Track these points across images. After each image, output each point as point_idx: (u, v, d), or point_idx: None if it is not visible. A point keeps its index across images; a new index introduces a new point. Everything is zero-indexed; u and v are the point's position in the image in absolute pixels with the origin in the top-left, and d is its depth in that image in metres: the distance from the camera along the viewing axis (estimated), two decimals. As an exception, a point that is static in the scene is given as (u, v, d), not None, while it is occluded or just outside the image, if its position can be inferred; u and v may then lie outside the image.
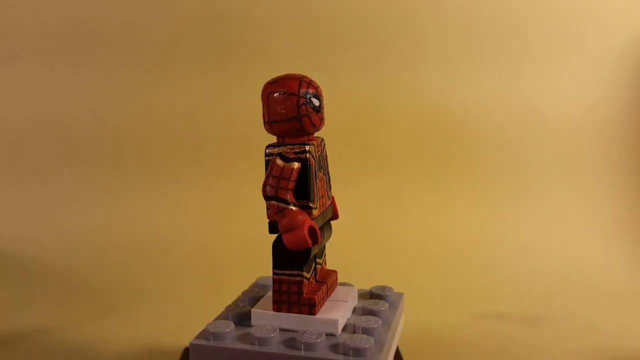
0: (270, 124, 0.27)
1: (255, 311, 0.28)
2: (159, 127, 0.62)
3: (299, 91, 0.27)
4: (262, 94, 0.28)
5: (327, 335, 0.27)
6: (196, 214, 0.60)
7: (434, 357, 0.38)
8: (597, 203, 0.62)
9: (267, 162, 0.27)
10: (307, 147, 0.27)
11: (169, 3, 0.62)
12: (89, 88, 0.62)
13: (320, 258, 0.30)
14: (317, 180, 0.28)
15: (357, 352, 0.25)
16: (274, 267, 0.28)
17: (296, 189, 0.27)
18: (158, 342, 0.40)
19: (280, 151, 0.27)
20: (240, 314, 0.29)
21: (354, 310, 0.31)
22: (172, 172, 0.62)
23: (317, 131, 0.28)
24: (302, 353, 0.25)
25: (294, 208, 0.26)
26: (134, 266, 0.54)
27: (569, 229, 0.60)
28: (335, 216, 0.31)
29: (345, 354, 0.25)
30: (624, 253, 0.57)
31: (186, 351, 0.38)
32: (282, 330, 0.27)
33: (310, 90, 0.27)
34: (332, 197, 0.31)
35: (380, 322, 0.28)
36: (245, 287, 0.34)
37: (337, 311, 0.28)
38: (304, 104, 0.27)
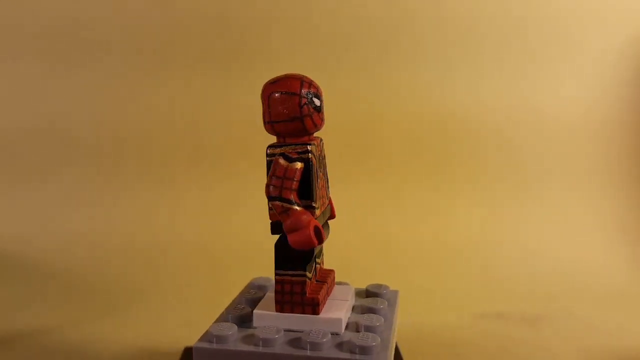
0: (271, 124, 0.27)
1: (257, 312, 0.28)
2: (159, 127, 0.62)
3: (300, 91, 0.27)
4: (262, 94, 0.28)
5: (331, 334, 0.27)
6: (196, 214, 0.60)
7: (434, 357, 0.38)
8: (597, 203, 0.62)
9: (268, 163, 0.27)
10: (309, 147, 0.27)
11: (168, 4, 0.62)
12: (89, 88, 0.62)
13: (319, 258, 0.30)
14: (318, 180, 0.28)
15: (364, 350, 0.25)
16: (276, 268, 0.28)
17: (299, 189, 0.27)
18: (158, 342, 0.40)
19: (282, 151, 0.27)
20: (240, 316, 0.29)
21: (353, 309, 0.31)
22: (172, 172, 0.62)
23: (317, 131, 0.28)
24: (309, 353, 0.25)
25: (298, 208, 0.26)
26: (134, 266, 0.54)
27: (569, 229, 0.60)
28: (332, 215, 0.31)
29: (352, 352, 0.26)
30: (624, 253, 0.57)
31: (186, 351, 0.38)
32: (286, 330, 0.27)
33: (312, 90, 0.27)
34: (329, 196, 0.31)
35: (383, 320, 0.29)
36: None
37: (340, 310, 0.28)
38: (305, 104, 0.27)
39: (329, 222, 0.31)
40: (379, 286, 0.33)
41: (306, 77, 0.28)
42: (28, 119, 0.62)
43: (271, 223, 0.28)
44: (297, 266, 0.28)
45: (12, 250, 0.56)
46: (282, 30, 0.63)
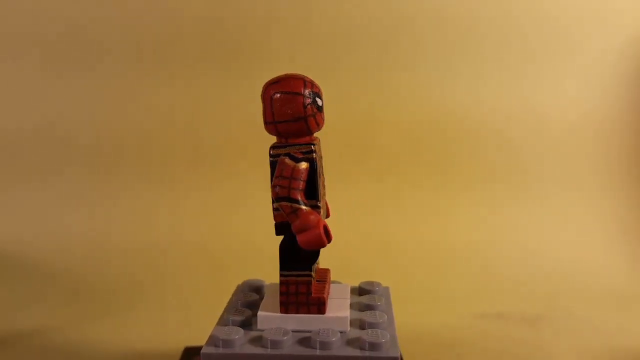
0: (275, 124, 0.27)
1: (261, 314, 0.28)
2: (159, 128, 0.62)
3: (304, 91, 0.27)
4: (263, 95, 0.27)
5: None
6: (196, 215, 0.60)
7: (434, 357, 0.38)
8: (597, 203, 0.62)
9: (272, 163, 0.27)
10: (313, 147, 0.27)
11: (168, 5, 0.62)
12: (89, 89, 0.62)
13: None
14: (320, 180, 0.28)
15: (374, 346, 0.26)
16: (281, 269, 0.28)
17: (304, 189, 0.27)
18: (158, 342, 0.40)
19: (288, 151, 0.27)
20: (242, 319, 0.28)
21: (351, 306, 0.31)
22: (172, 172, 0.62)
23: (318, 131, 0.28)
24: (319, 352, 0.25)
25: (306, 208, 0.26)
26: (134, 266, 0.54)
27: (569, 229, 0.60)
28: (327, 215, 0.31)
29: (362, 348, 0.26)
30: (624, 253, 0.57)
31: (186, 351, 0.38)
32: (293, 331, 0.27)
33: (314, 90, 0.27)
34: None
35: (386, 316, 0.29)
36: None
37: (344, 308, 0.28)
38: (309, 104, 0.27)
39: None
40: (371, 283, 0.33)
41: (307, 77, 0.28)
42: (28, 119, 0.62)
43: (276, 224, 0.28)
44: (303, 266, 0.27)
45: (13, 251, 0.56)
46: (281, 31, 0.63)
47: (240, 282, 0.34)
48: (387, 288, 0.34)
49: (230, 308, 0.30)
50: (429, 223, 0.60)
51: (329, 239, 0.26)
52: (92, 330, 0.42)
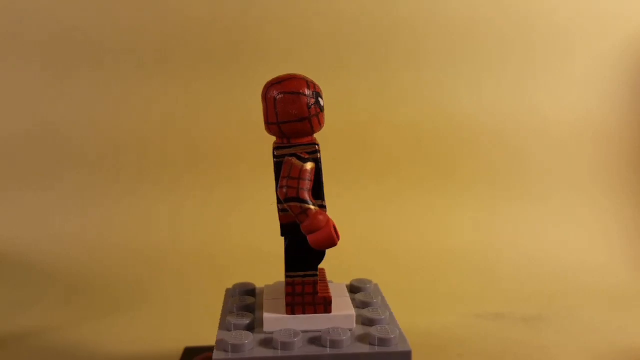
0: (278, 124, 0.27)
1: (268, 317, 0.28)
2: (158, 130, 0.62)
3: (307, 91, 0.27)
4: (265, 95, 0.27)
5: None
6: (196, 216, 0.60)
7: (434, 357, 0.38)
8: (597, 203, 0.62)
9: (276, 164, 0.27)
10: (317, 147, 0.27)
11: (166, 9, 0.62)
12: (87, 92, 0.62)
13: None
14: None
15: (383, 341, 0.26)
16: (287, 270, 0.27)
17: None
18: (158, 342, 0.40)
19: (293, 152, 0.27)
20: (247, 323, 0.28)
21: None
22: (172, 175, 0.61)
23: (319, 131, 0.28)
24: (330, 351, 0.25)
25: (315, 208, 0.26)
26: (134, 267, 0.54)
27: (569, 229, 0.60)
28: None
29: (372, 344, 0.26)
30: (624, 253, 0.57)
31: (186, 351, 0.38)
32: (302, 332, 0.27)
33: (316, 90, 0.27)
34: None
35: (388, 312, 0.29)
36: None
37: (348, 306, 0.29)
38: (313, 104, 0.27)
39: None
40: (362, 280, 0.34)
41: (308, 77, 0.28)
42: (28, 122, 0.62)
43: (281, 225, 0.27)
44: (309, 266, 0.27)
45: (13, 252, 0.56)
46: (280, 32, 0.63)
47: (239, 282, 0.34)
48: (376, 285, 0.34)
49: (229, 312, 0.30)
50: (428, 223, 0.60)
51: (338, 238, 0.26)
52: (92, 330, 0.42)
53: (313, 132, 0.27)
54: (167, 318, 0.44)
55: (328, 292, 0.28)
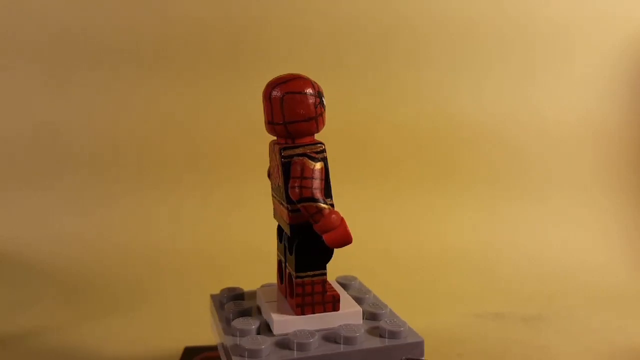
0: (285, 124, 0.27)
1: (278, 319, 0.27)
2: (157, 131, 0.62)
3: (313, 91, 0.27)
4: (270, 95, 0.27)
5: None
6: (196, 217, 0.60)
7: (434, 357, 0.38)
8: (597, 203, 0.62)
9: (285, 165, 0.27)
10: (324, 147, 0.27)
11: (166, 10, 0.62)
12: (87, 93, 0.62)
13: None
14: None
15: (395, 334, 0.26)
16: (297, 271, 0.27)
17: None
18: (158, 342, 0.40)
19: (303, 152, 0.27)
20: (254, 328, 0.28)
21: None
22: (171, 175, 0.62)
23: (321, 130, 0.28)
24: (345, 348, 0.26)
25: (329, 207, 0.26)
26: (134, 268, 0.54)
27: (569, 229, 0.60)
28: None
29: (385, 337, 0.26)
30: (624, 253, 0.57)
31: (186, 351, 0.38)
32: (317, 331, 0.27)
33: (320, 90, 0.27)
34: None
35: (388, 307, 0.29)
36: (247, 289, 0.34)
37: (352, 302, 0.29)
38: (318, 103, 0.27)
39: None
40: (347, 277, 0.34)
41: (309, 77, 0.28)
42: (27, 123, 0.62)
43: (291, 225, 0.27)
44: (319, 266, 0.28)
45: (13, 252, 0.56)
46: (280, 32, 0.63)
47: (238, 283, 0.34)
48: (360, 281, 0.34)
49: (232, 318, 0.29)
50: (428, 223, 0.60)
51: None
52: (92, 331, 0.42)
53: (317, 131, 0.28)
54: (167, 318, 0.44)
55: (334, 291, 0.28)
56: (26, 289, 0.50)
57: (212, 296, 0.33)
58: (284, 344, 0.26)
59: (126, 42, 0.62)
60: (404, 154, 0.63)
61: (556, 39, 0.64)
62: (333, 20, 0.63)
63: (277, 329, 0.27)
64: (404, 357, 0.26)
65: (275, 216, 0.30)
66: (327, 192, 0.27)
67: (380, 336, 0.27)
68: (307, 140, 0.27)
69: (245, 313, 0.30)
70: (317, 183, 0.26)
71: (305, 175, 0.26)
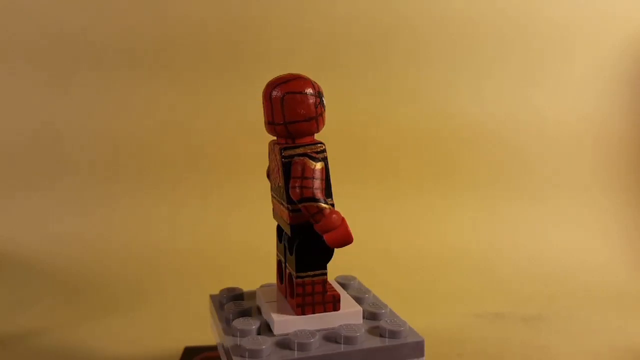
0: (285, 124, 0.27)
1: (278, 319, 0.27)
2: (156, 133, 0.62)
3: (313, 91, 0.27)
4: (270, 95, 0.27)
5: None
6: (196, 217, 0.60)
7: (433, 357, 0.38)
8: (597, 204, 0.62)
9: (286, 165, 0.27)
10: (324, 147, 0.27)
11: (165, 11, 0.62)
12: (86, 95, 0.62)
13: None
14: None
15: (395, 334, 0.26)
16: (297, 271, 0.27)
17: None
18: (158, 342, 0.40)
19: (304, 152, 0.27)
20: (254, 328, 0.28)
21: None
22: (170, 176, 0.61)
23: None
24: (346, 348, 0.26)
25: (329, 207, 0.26)
26: (134, 268, 0.54)
27: (569, 230, 0.60)
28: None
29: (386, 337, 0.26)
30: (624, 253, 0.57)
31: (186, 351, 0.38)
32: (317, 331, 0.27)
33: (320, 90, 0.27)
34: None
35: (388, 307, 0.29)
36: (246, 289, 0.34)
37: (352, 302, 0.29)
38: (318, 103, 0.27)
39: None
40: (346, 277, 0.34)
41: (309, 77, 0.28)
42: (27, 125, 0.62)
43: (292, 225, 0.27)
44: (319, 266, 0.28)
45: (13, 253, 0.56)
46: (280, 32, 0.63)
47: (238, 283, 0.34)
48: (359, 281, 0.34)
49: (232, 318, 0.29)
50: (428, 223, 0.60)
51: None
52: (92, 331, 0.42)
53: (317, 131, 0.27)
54: (167, 318, 0.44)
55: (335, 290, 0.28)
56: (26, 289, 0.50)
57: (212, 296, 0.33)
58: (284, 344, 0.26)
59: (126, 42, 0.62)
60: (404, 154, 0.63)
61: (556, 39, 0.64)
62: (333, 20, 0.63)
63: (277, 329, 0.27)
64: None
65: (274, 216, 0.30)
66: (327, 192, 0.27)
67: (381, 336, 0.27)
68: (307, 140, 0.27)
69: (245, 313, 0.30)
70: (317, 183, 0.26)
71: (306, 175, 0.26)
